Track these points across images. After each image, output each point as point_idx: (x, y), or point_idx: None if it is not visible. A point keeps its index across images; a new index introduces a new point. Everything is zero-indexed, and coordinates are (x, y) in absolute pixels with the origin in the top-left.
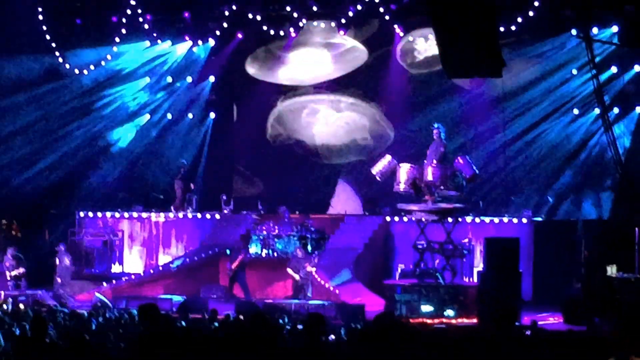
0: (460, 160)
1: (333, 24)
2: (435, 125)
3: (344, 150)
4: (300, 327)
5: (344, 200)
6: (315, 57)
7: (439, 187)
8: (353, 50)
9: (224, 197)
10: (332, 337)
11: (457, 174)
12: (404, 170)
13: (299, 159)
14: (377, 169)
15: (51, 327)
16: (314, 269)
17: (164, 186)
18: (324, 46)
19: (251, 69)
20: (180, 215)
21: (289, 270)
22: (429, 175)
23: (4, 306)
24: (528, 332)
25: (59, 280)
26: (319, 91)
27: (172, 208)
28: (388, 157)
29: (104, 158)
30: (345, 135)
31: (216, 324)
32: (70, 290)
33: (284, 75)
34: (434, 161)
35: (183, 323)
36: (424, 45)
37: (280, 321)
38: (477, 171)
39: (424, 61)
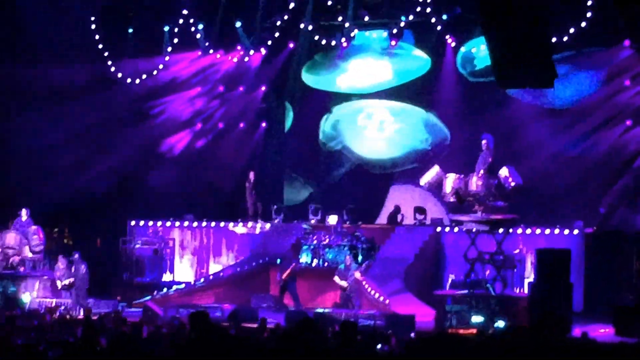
0: (506, 171)
1: (385, 34)
2: (484, 136)
3: (397, 158)
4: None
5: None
6: (376, 65)
7: (484, 197)
8: (414, 60)
9: (275, 207)
10: (380, 346)
11: (502, 185)
12: (450, 181)
13: (350, 165)
14: (425, 179)
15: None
16: (362, 277)
17: (218, 195)
18: (385, 55)
19: (308, 77)
20: (257, 229)
21: (336, 279)
22: (473, 185)
23: (54, 314)
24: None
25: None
26: (374, 96)
27: (243, 221)
28: (436, 168)
29: (157, 166)
30: (400, 140)
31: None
32: (83, 301)
33: (343, 83)
34: (480, 172)
35: (233, 332)
36: (484, 53)
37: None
38: (521, 182)
39: (485, 70)
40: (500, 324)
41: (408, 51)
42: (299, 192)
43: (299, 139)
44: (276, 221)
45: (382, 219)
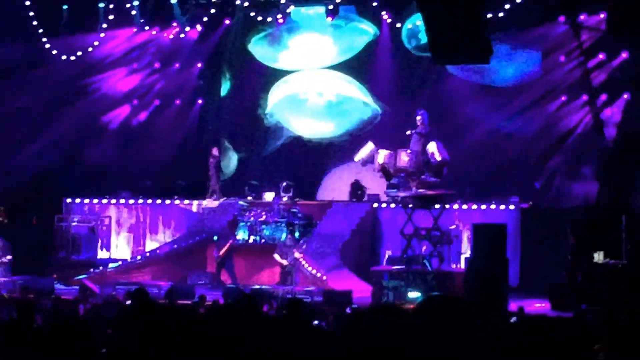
0: (433, 146)
1: (321, 10)
2: (419, 112)
3: (335, 137)
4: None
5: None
6: (319, 42)
7: (413, 173)
8: (360, 34)
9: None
10: (316, 322)
11: (428, 160)
12: (380, 157)
13: (286, 139)
14: (360, 156)
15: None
16: (301, 256)
17: (154, 172)
18: (327, 31)
19: (256, 49)
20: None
21: (276, 257)
22: (401, 160)
23: None
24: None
25: None
26: (313, 73)
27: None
28: (370, 144)
29: (94, 143)
30: (337, 113)
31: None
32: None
33: (285, 60)
34: (408, 149)
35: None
36: None
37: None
38: (447, 157)
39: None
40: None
41: (353, 27)
42: (230, 161)
43: (236, 110)
44: (212, 199)
45: (321, 195)
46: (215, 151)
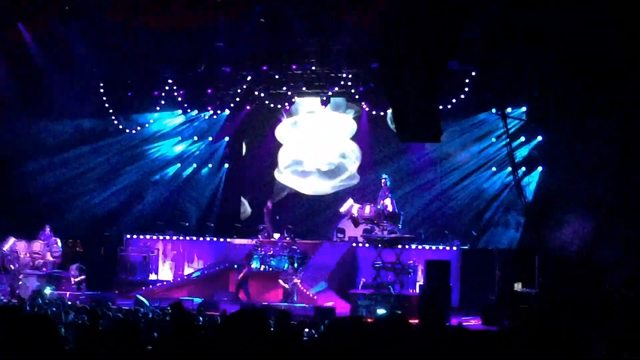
0: (388, 200)
1: (318, 100)
2: (384, 176)
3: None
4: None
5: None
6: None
7: (373, 221)
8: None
9: (237, 225)
10: (307, 330)
11: (383, 211)
12: (355, 209)
13: (289, 190)
14: (344, 208)
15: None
16: (299, 281)
17: (191, 216)
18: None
19: (278, 133)
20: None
21: (280, 281)
22: (365, 212)
23: (69, 303)
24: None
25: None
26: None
27: (259, 236)
28: (350, 200)
29: (147, 194)
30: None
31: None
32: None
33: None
34: (375, 203)
35: (201, 318)
36: None
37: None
38: (396, 210)
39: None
40: (381, 311)
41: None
42: (245, 209)
43: (252, 169)
44: (234, 237)
45: (314, 237)
46: (269, 204)
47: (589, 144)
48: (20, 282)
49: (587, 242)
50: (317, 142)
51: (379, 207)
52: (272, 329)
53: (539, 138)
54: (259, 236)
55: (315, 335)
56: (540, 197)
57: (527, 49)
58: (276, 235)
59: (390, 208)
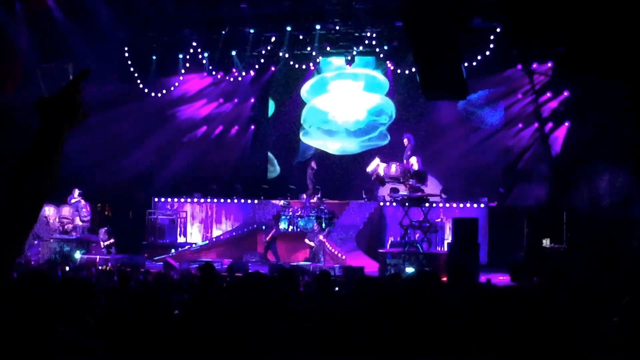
0: (414, 159)
1: (342, 60)
2: (405, 135)
3: (356, 148)
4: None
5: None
6: (348, 85)
7: (399, 179)
8: (376, 79)
9: (264, 186)
10: (337, 289)
11: (409, 170)
12: (381, 168)
13: (316, 150)
14: (370, 168)
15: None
16: (325, 240)
17: (219, 178)
18: (352, 77)
19: (303, 93)
20: (314, 199)
21: (306, 240)
22: (391, 171)
23: (101, 267)
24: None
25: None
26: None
27: (304, 196)
28: (377, 160)
29: (174, 157)
30: (361, 137)
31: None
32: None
33: (321, 102)
34: (400, 162)
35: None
36: None
37: (301, 278)
38: (422, 168)
39: None
40: (410, 270)
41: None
42: (275, 168)
43: (279, 130)
44: (262, 198)
45: (342, 196)
46: (313, 164)
47: (616, 99)
48: (49, 247)
49: (616, 197)
50: (344, 100)
51: (404, 165)
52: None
53: (565, 94)
54: (304, 195)
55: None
56: (568, 153)
57: (553, 4)
58: (310, 195)
59: (416, 166)
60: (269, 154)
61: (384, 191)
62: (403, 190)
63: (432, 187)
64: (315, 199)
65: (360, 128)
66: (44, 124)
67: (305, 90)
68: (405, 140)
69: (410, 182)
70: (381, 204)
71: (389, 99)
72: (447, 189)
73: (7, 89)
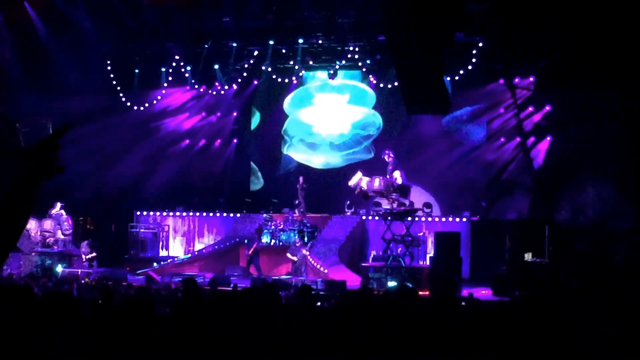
0: (397, 173)
1: (325, 74)
2: (385, 152)
3: (339, 168)
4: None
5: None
6: (332, 99)
7: (383, 193)
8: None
9: (247, 200)
10: (319, 303)
11: (393, 184)
12: (364, 182)
13: (297, 164)
14: (352, 182)
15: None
16: (308, 253)
17: (201, 192)
18: (335, 90)
19: (285, 106)
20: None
21: (288, 254)
22: (374, 185)
23: (83, 280)
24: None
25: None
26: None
27: (296, 211)
28: (359, 173)
29: (157, 170)
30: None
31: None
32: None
33: (305, 115)
34: (383, 176)
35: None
36: None
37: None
38: (405, 182)
39: None
40: (392, 283)
41: (357, 88)
42: (259, 181)
43: (262, 143)
44: (244, 212)
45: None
46: (301, 179)
47: (598, 112)
48: (30, 261)
49: (598, 211)
50: (329, 113)
51: (387, 179)
52: (282, 303)
53: (547, 108)
54: (295, 211)
55: (326, 308)
56: (550, 167)
57: (534, 19)
58: (285, 210)
59: (399, 180)
60: (252, 164)
61: (367, 205)
62: (386, 204)
63: (420, 198)
64: (297, 212)
65: (345, 142)
66: (20, 175)
67: (287, 102)
68: (386, 157)
69: (393, 196)
70: (363, 217)
71: (375, 112)
72: (429, 203)
73: None
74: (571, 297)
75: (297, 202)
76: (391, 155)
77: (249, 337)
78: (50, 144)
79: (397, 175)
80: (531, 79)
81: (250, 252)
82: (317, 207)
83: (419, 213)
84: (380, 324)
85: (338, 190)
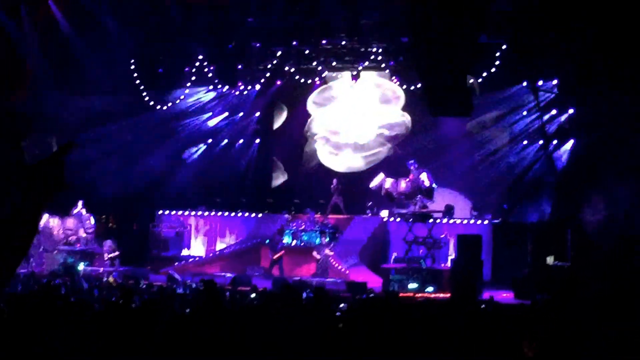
0: (424, 175)
1: (349, 75)
2: (409, 163)
3: (362, 166)
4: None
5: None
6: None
7: (409, 195)
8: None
9: (269, 200)
10: (342, 305)
11: (420, 185)
12: (388, 184)
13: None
14: (373, 183)
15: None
16: (332, 253)
17: (223, 192)
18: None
19: (310, 106)
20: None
21: (314, 253)
22: (400, 187)
23: (104, 279)
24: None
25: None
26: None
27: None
28: (381, 175)
29: (179, 170)
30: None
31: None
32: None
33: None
34: (407, 178)
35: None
36: None
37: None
38: (432, 184)
39: None
40: (430, 289)
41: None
42: (279, 177)
43: (285, 142)
44: (266, 211)
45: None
46: (335, 181)
47: (622, 115)
48: (53, 259)
49: (621, 214)
50: (354, 113)
51: (414, 180)
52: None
53: (570, 111)
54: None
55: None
56: (572, 170)
57: (557, 21)
58: (307, 210)
59: (427, 183)
60: (275, 160)
61: (389, 206)
62: (410, 205)
63: (442, 200)
64: (319, 213)
65: (368, 142)
66: (26, 193)
67: (312, 101)
68: (412, 168)
69: (417, 198)
70: (385, 219)
71: (405, 113)
72: (451, 205)
73: (18, 96)
74: (591, 300)
75: (333, 202)
76: (414, 165)
77: (264, 340)
78: (54, 161)
79: (424, 178)
80: (554, 81)
81: (275, 257)
82: (338, 207)
83: (440, 215)
84: (403, 326)
85: (359, 191)
